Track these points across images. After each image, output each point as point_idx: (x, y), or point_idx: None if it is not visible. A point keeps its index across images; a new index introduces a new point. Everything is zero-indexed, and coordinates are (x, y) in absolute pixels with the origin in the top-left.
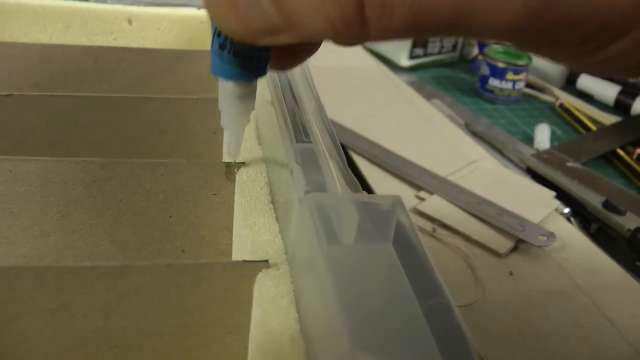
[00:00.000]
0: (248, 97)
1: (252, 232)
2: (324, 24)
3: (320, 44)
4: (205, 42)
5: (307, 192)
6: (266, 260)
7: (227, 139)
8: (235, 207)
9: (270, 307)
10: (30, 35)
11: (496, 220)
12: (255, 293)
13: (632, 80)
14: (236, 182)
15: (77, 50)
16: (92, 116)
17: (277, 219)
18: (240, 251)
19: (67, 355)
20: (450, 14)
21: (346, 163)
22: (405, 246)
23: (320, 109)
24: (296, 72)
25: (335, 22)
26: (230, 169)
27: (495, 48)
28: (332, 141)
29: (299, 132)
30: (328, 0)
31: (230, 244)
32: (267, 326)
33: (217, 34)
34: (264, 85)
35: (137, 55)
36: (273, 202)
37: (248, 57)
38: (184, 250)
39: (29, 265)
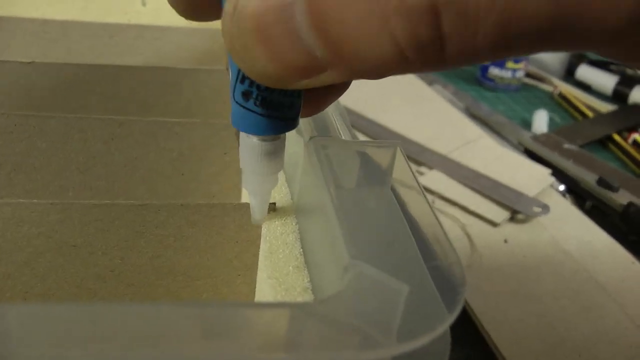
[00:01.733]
0: (276, 153)
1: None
2: (389, 50)
3: (346, 87)
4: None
5: (312, 137)
6: (274, 203)
7: (251, 202)
8: None
9: (277, 242)
10: (49, 14)
11: (492, 193)
12: (264, 230)
13: (630, 70)
14: None
15: (94, 26)
16: (108, 84)
17: (284, 170)
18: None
19: (86, 292)
20: (552, 16)
21: (348, 120)
22: (402, 189)
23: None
24: None
25: (404, 45)
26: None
27: None
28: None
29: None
30: (393, 16)
31: (239, 199)
32: (274, 257)
33: (239, 79)
34: None
35: (152, 32)
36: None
37: (278, 105)
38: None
39: (56, 201)
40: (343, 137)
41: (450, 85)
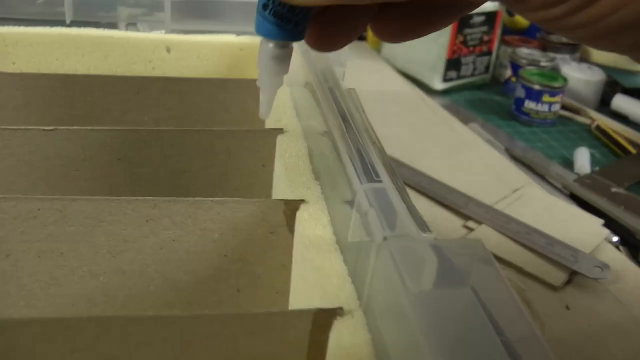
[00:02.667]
0: (284, 59)
1: (320, 276)
2: None
3: (359, 29)
4: (245, 69)
5: (385, 238)
6: (341, 308)
7: (261, 98)
8: (296, 246)
9: (349, 357)
10: (69, 66)
11: (547, 251)
12: (332, 343)
13: None
14: (297, 221)
15: (118, 81)
16: (137, 150)
17: (344, 260)
18: (306, 295)
19: None
20: None
21: (411, 201)
22: (486, 289)
23: (376, 141)
24: (348, 101)
25: None
26: (291, 207)
27: (530, 70)
28: (395, 177)
29: (368, 170)
30: None
31: (288, 284)
32: None
33: None
34: (315, 114)
35: (179, 85)
36: (338, 242)
37: (287, 19)
38: (238, 290)
39: (92, 316)
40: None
41: (488, 123)
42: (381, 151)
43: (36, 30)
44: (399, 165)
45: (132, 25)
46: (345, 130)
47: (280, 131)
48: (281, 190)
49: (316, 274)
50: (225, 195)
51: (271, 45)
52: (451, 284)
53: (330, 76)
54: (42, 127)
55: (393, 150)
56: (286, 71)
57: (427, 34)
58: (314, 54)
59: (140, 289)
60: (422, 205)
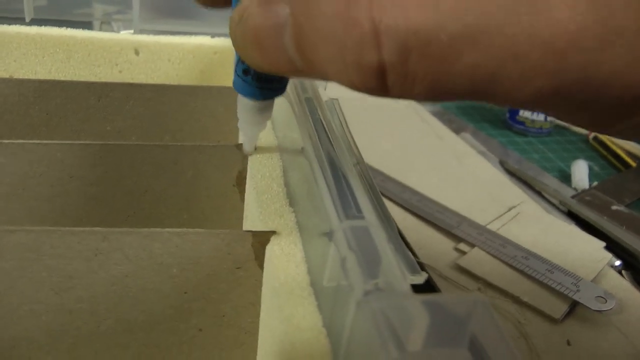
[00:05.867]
0: (266, 109)
1: (289, 326)
2: (346, 81)
3: None
4: (220, 73)
5: (366, 293)
6: None
7: (242, 138)
8: (265, 286)
9: None
10: (28, 67)
11: (547, 278)
12: None
13: None
14: (266, 257)
15: (78, 86)
16: (92, 167)
17: (318, 307)
18: (273, 347)
19: None
20: (471, 86)
21: (400, 238)
22: (486, 352)
23: (359, 162)
24: (328, 114)
25: (357, 83)
26: (259, 239)
27: None
28: (380, 206)
29: (348, 203)
30: (351, 66)
31: (256, 322)
32: None
33: (241, 60)
34: (293, 127)
35: (145, 91)
36: (312, 283)
37: (269, 81)
38: (201, 329)
39: None
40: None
41: (480, 132)
42: (365, 174)
43: None
44: (385, 180)
45: (106, 24)
46: (322, 151)
47: None
48: (250, 216)
49: (286, 325)
50: (192, 218)
51: (252, 102)
52: (444, 343)
53: (309, 85)
54: None
55: (379, 162)
56: (269, 117)
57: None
58: None
59: (90, 330)
60: (410, 224)
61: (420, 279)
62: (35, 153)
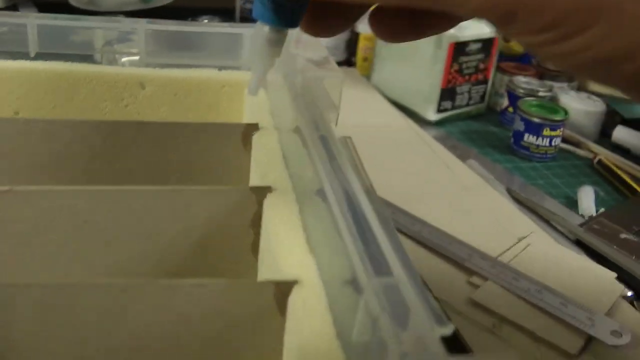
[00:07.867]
0: (278, 43)
1: None
2: None
3: (353, 18)
4: (227, 109)
5: (403, 356)
6: None
7: (252, 77)
8: (287, 337)
9: None
10: (31, 104)
11: (561, 313)
12: None
13: None
14: (287, 312)
15: (84, 126)
16: (104, 212)
17: None
18: None
19: None
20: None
21: (426, 290)
22: None
23: (379, 207)
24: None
25: None
26: (281, 289)
27: (528, 101)
28: (403, 258)
29: (374, 257)
30: None
31: None
32: None
33: None
34: (306, 166)
35: (153, 129)
36: (339, 336)
37: (284, 7)
38: None
39: None
40: None
41: (485, 157)
42: (386, 221)
43: None
44: (396, 212)
45: (108, 55)
46: (342, 194)
47: (268, 189)
48: (268, 264)
49: None
50: (206, 265)
51: (266, 29)
52: None
53: (321, 122)
54: None
55: (387, 192)
56: (278, 55)
57: (425, 36)
58: (304, 96)
59: None
60: (422, 256)
61: (448, 330)
62: (45, 200)
